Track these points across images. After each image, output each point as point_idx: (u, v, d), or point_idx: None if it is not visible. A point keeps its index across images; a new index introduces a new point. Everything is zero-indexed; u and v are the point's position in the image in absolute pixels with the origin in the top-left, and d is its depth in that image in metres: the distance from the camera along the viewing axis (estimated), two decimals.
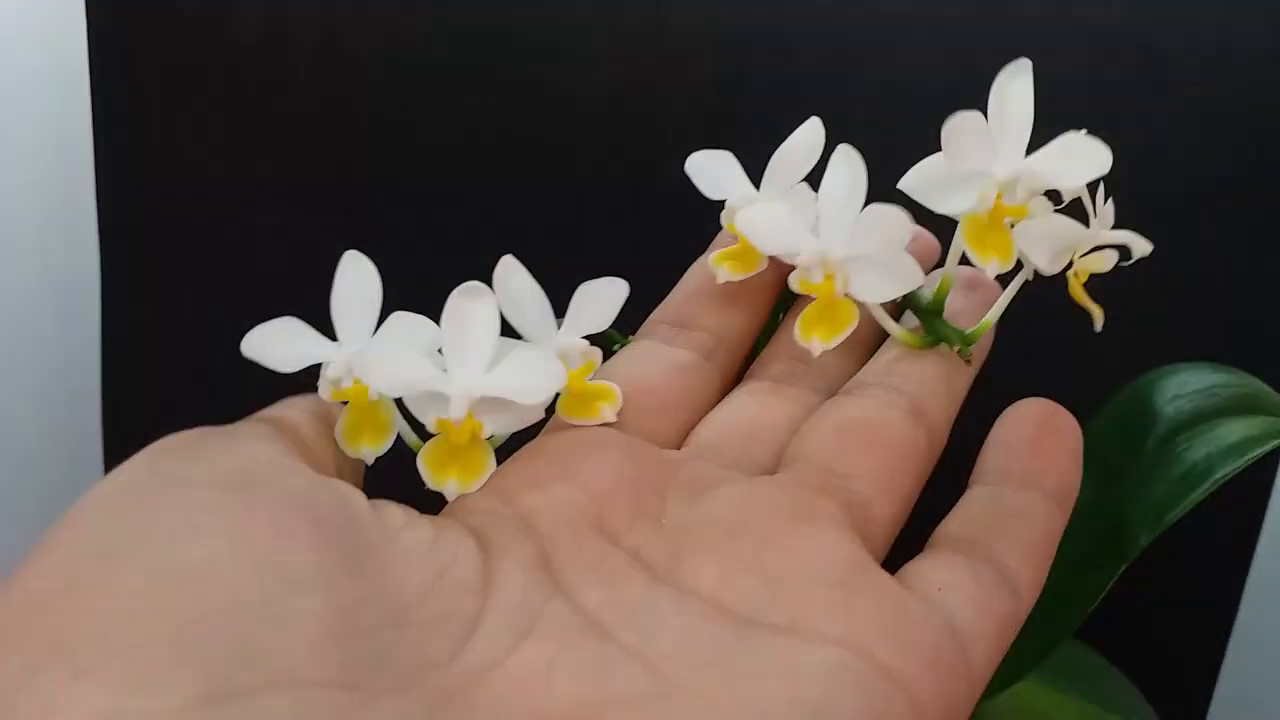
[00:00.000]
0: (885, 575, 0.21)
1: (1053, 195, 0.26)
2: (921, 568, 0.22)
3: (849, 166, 0.25)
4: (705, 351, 0.27)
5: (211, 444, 0.20)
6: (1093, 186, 0.25)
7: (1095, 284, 0.26)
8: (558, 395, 0.25)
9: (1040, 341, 0.51)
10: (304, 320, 0.25)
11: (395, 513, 0.20)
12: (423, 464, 0.23)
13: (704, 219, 0.29)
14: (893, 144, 0.25)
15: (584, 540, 0.21)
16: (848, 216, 0.24)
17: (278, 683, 0.15)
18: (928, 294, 0.26)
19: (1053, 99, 0.25)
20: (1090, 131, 0.24)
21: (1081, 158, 0.24)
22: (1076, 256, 0.26)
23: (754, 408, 0.26)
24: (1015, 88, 0.24)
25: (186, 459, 0.19)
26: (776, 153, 0.27)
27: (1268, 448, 0.32)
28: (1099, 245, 0.26)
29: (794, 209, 0.26)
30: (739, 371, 0.29)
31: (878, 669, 0.18)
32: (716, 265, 0.27)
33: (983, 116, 0.24)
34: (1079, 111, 0.47)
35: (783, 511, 0.22)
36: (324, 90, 0.51)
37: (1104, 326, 0.50)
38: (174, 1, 0.50)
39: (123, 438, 0.56)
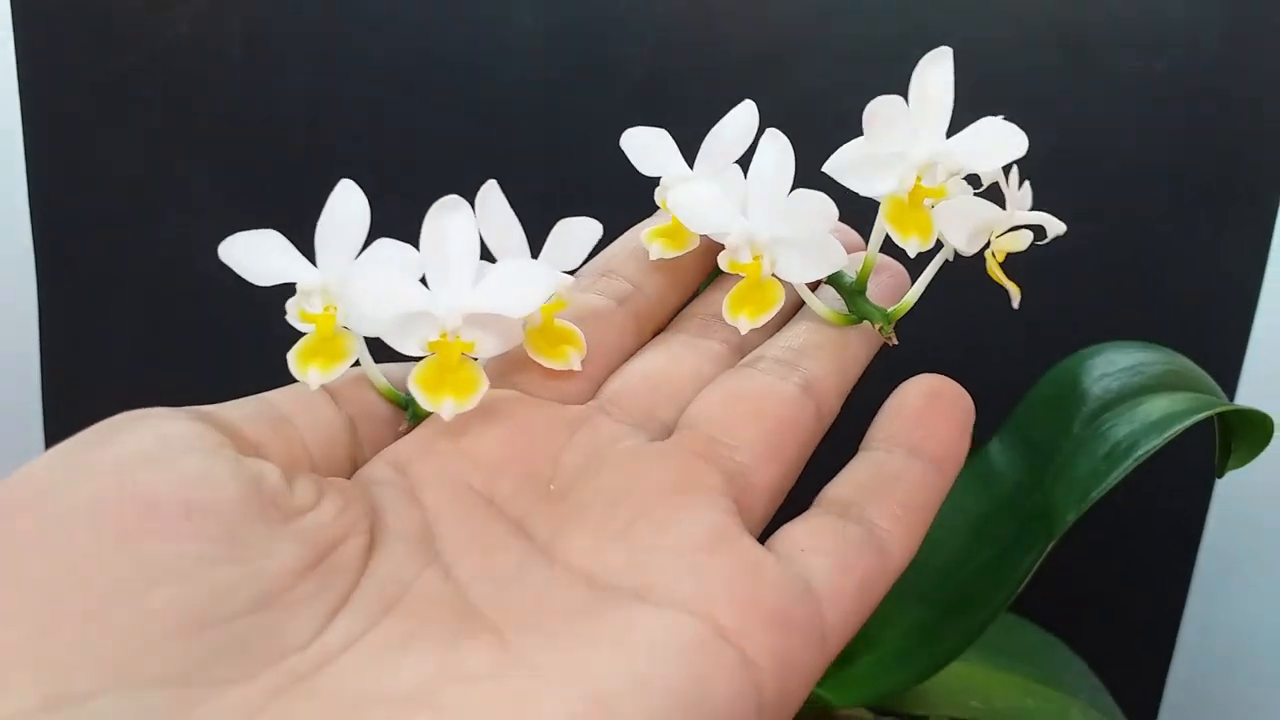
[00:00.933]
0: (749, 540, 0.21)
1: (972, 179, 0.27)
2: (792, 530, 0.22)
3: (776, 149, 0.25)
4: (620, 297, 0.28)
5: (130, 425, 0.20)
6: (1009, 170, 0.26)
7: (1030, 265, 0.27)
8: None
9: (971, 326, 0.51)
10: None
11: (305, 491, 0.21)
12: (415, 387, 0.23)
13: (638, 212, 0.29)
14: (820, 133, 0.25)
15: (469, 511, 0.22)
16: (775, 199, 0.25)
17: (112, 685, 0.16)
18: (851, 275, 0.27)
19: (982, 84, 0.25)
20: (1019, 116, 0.25)
21: (998, 142, 0.25)
22: (993, 237, 0.26)
23: (664, 360, 0.27)
24: (935, 73, 0.25)
25: (97, 443, 0.20)
26: (710, 132, 0.27)
27: (1189, 422, 0.33)
28: (1015, 226, 0.26)
29: (725, 190, 0.26)
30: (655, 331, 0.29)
31: (714, 631, 0.19)
32: (649, 241, 0.27)
33: (902, 100, 0.24)
34: (1009, 97, 0.47)
35: (663, 481, 0.22)
36: (254, 96, 0.50)
37: (1038, 307, 0.50)
38: (102, 12, 0.50)
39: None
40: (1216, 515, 0.55)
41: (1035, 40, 0.48)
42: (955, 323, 0.49)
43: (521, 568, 0.20)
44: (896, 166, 0.25)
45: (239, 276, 0.24)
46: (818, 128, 0.26)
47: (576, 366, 0.25)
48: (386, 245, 0.24)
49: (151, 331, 0.54)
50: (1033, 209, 0.26)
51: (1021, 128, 0.25)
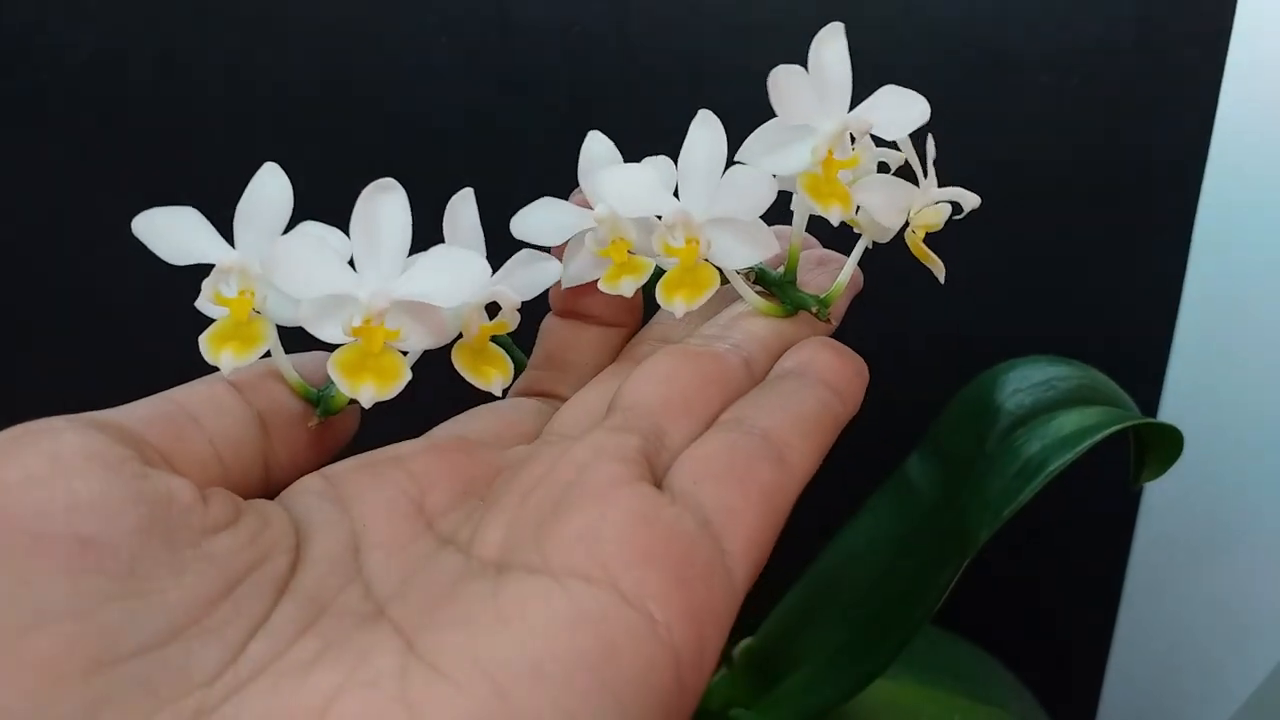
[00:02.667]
0: (641, 485, 0.20)
1: (882, 166, 0.27)
2: (684, 460, 0.21)
3: (708, 130, 0.25)
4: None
5: (20, 442, 0.19)
6: (919, 147, 0.26)
7: (951, 280, 0.27)
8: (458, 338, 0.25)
9: (890, 341, 0.51)
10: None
11: (220, 510, 0.20)
12: (335, 370, 0.22)
13: None
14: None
15: (397, 522, 0.21)
16: (709, 179, 0.25)
17: None
18: (778, 270, 0.27)
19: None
20: (938, 131, 0.25)
21: (902, 107, 0.25)
22: (912, 214, 0.26)
23: (600, 402, 0.26)
24: (831, 50, 0.25)
25: None
26: (581, 168, 0.27)
27: (1099, 437, 0.33)
28: (931, 202, 0.26)
29: (656, 175, 0.26)
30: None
31: (613, 595, 0.18)
32: (611, 285, 0.26)
33: (802, 70, 0.24)
34: (934, 105, 0.47)
35: (574, 460, 0.21)
36: (167, 112, 0.49)
37: (958, 322, 0.51)
38: (7, 30, 0.48)
39: None
40: (1144, 526, 0.56)
41: (954, 59, 0.48)
42: (874, 338, 0.49)
43: (437, 571, 0.20)
44: (806, 140, 0.25)
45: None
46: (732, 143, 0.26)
47: (497, 391, 0.25)
48: (312, 227, 0.24)
49: (68, 357, 0.53)
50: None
51: (941, 143, 0.25)
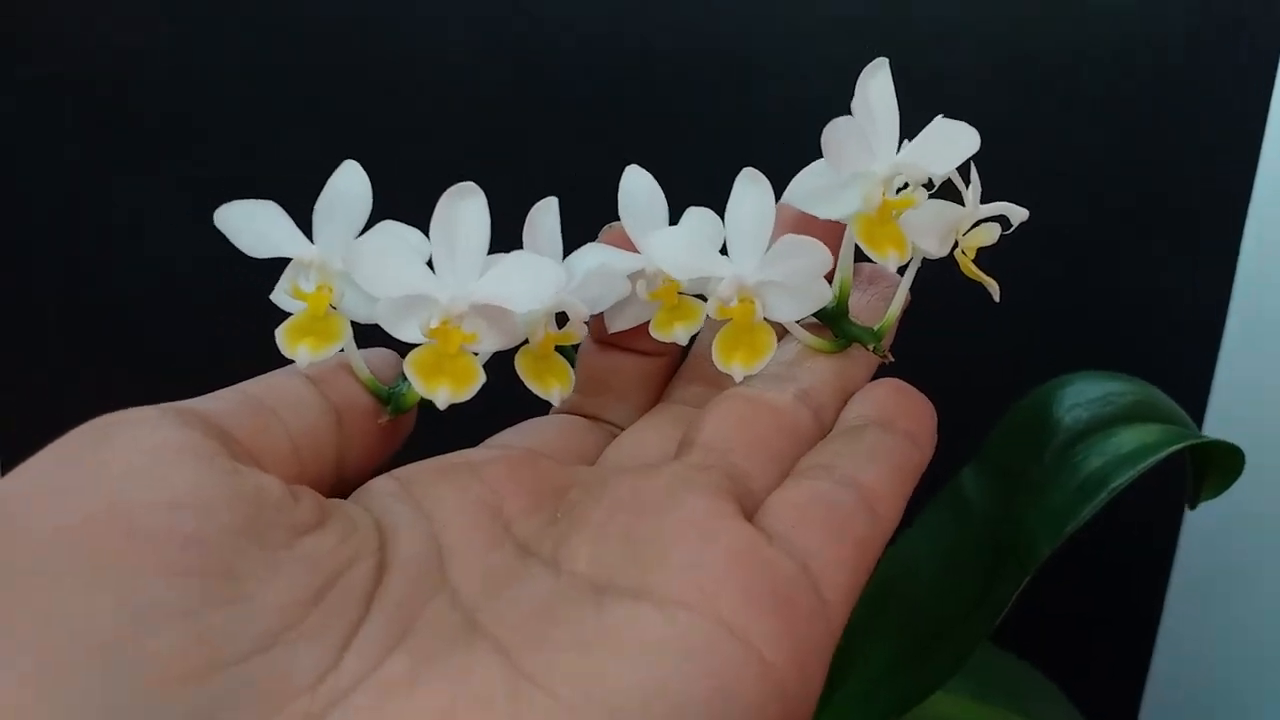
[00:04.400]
0: (743, 523, 0.20)
1: (926, 184, 0.27)
2: (779, 504, 0.22)
3: (755, 191, 0.25)
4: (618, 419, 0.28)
5: (112, 434, 0.19)
6: (962, 168, 0.26)
7: (1001, 294, 0.27)
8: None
9: (939, 355, 0.51)
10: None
11: (308, 509, 0.20)
12: (411, 370, 0.23)
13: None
14: (777, 148, 0.25)
15: (477, 528, 0.21)
16: (759, 241, 0.25)
17: None
18: (831, 300, 0.27)
19: (948, 111, 0.25)
20: (984, 142, 0.25)
21: (952, 141, 0.25)
22: (960, 235, 0.26)
23: (659, 437, 0.26)
24: (876, 85, 0.25)
25: (76, 457, 0.19)
26: (621, 201, 0.27)
27: (1160, 456, 0.33)
28: (979, 220, 0.26)
29: (701, 232, 0.26)
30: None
31: (726, 632, 0.18)
32: (665, 331, 0.26)
33: (854, 121, 0.24)
34: (973, 124, 0.47)
35: (661, 486, 0.22)
36: (181, 100, 0.50)
37: (1007, 336, 0.51)
38: (19, 17, 0.49)
39: None
40: (1188, 540, 0.55)
41: (1001, 67, 0.48)
42: (926, 353, 0.49)
43: (527, 582, 0.20)
44: (859, 186, 0.25)
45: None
46: (778, 145, 0.25)
47: (556, 401, 0.25)
48: (393, 226, 0.24)
49: (76, 342, 0.54)
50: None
51: (986, 155, 0.25)
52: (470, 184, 0.23)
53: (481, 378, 0.23)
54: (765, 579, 0.19)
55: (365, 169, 0.23)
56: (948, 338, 0.51)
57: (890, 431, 0.24)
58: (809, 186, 0.25)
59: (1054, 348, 0.52)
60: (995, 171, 0.26)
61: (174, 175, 0.51)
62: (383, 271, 0.23)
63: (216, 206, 0.23)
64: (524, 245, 0.25)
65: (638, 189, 0.27)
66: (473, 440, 0.26)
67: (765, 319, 0.25)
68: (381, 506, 0.21)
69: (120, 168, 0.51)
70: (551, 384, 0.26)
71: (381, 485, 0.22)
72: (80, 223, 0.52)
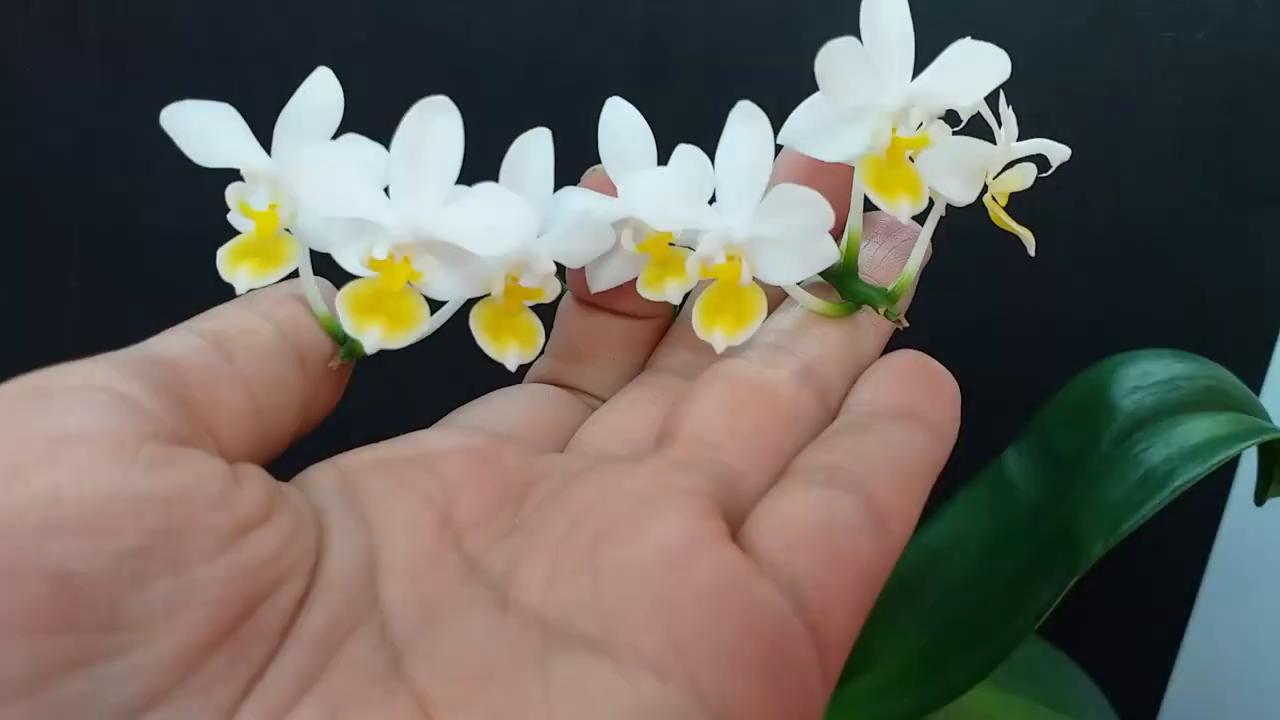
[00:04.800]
0: (727, 551, 0.17)
1: (950, 118, 0.22)
2: (771, 516, 0.18)
3: (752, 128, 0.21)
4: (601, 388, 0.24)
5: (19, 413, 0.15)
6: (992, 98, 0.22)
7: (1047, 260, 0.23)
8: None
9: (987, 326, 0.48)
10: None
11: (253, 500, 0.16)
12: (342, 305, 0.20)
13: None
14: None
15: (420, 540, 0.18)
16: (753, 189, 0.21)
17: None
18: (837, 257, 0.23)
19: (1011, 58, 0.21)
20: (1039, 90, 0.21)
21: (977, 66, 0.21)
22: (990, 179, 0.22)
23: (640, 416, 0.23)
24: (888, 6, 0.21)
25: None
26: (602, 132, 0.23)
27: (1233, 451, 0.30)
28: (1011, 161, 0.22)
29: (688, 177, 0.21)
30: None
31: (699, 703, 0.15)
32: (652, 287, 0.23)
33: (857, 41, 0.20)
34: (1038, 71, 0.43)
35: (632, 494, 0.18)
36: (213, 36, 0.46)
37: (1062, 309, 0.47)
38: None
39: None
40: (1226, 531, 0.52)
41: (1065, 10, 0.44)
42: (965, 319, 0.46)
43: (469, 615, 0.17)
44: (865, 120, 0.21)
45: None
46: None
47: (511, 367, 0.22)
48: (356, 141, 0.20)
49: (99, 290, 0.51)
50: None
51: (1044, 106, 0.21)
52: (443, 99, 0.20)
53: (424, 324, 0.20)
54: (752, 629, 0.16)
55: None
56: (985, 302, 0.47)
57: (907, 422, 0.20)
58: (806, 122, 0.21)
59: (1102, 317, 0.48)
60: (1048, 117, 0.22)
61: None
62: (328, 187, 0.19)
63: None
64: (500, 178, 0.21)
65: (619, 123, 0.23)
66: (431, 411, 0.23)
67: (757, 280, 0.21)
68: (321, 503, 0.18)
69: (144, 100, 0.47)
70: (508, 343, 0.22)
71: (322, 477, 0.19)
72: (99, 153, 0.48)
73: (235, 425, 0.18)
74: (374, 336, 0.19)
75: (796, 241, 0.21)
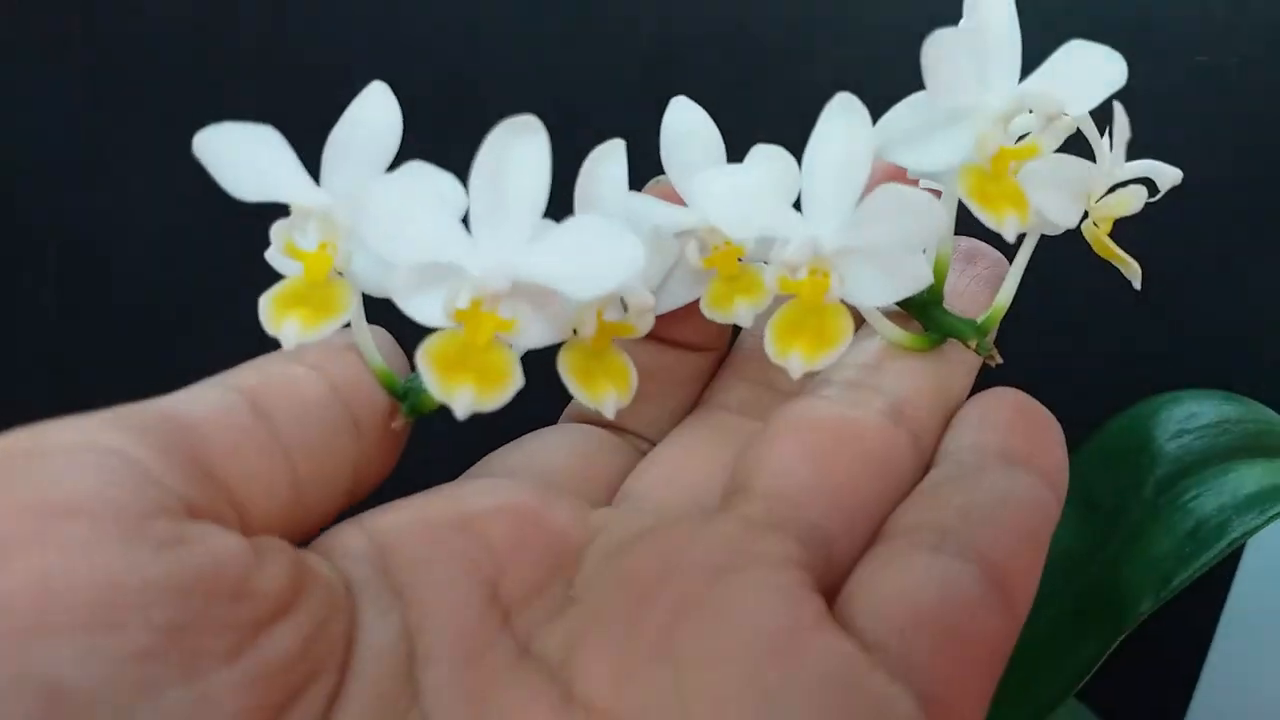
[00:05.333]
0: (836, 636, 0.15)
1: None
2: (875, 587, 0.16)
3: (849, 123, 0.18)
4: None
5: (8, 477, 0.13)
6: (1096, 114, 0.20)
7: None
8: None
9: (1018, 362, 0.46)
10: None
11: (276, 585, 0.14)
12: (425, 362, 0.17)
13: None
14: None
15: (466, 615, 0.16)
16: (847, 195, 0.18)
17: None
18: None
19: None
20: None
21: (1091, 69, 0.19)
22: (1092, 202, 0.20)
23: (701, 461, 0.20)
24: (995, 2, 0.19)
25: None
26: (664, 139, 0.21)
27: None
28: (1117, 184, 0.20)
29: (769, 177, 0.19)
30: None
31: None
32: (721, 308, 0.20)
33: (967, 35, 0.18)
34: None
35: (710, 559, 0.16)
36: (199, 55, 0.44)
37: (1099, 346, 0.46)
38: None
39: None
40: (1242, 577, 0.51)
41: (1095, 32, 0.42)
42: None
43: (525, 712, 0.14)
44: (967, 125, 0.19)
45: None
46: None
47: (609, 415, 0.19)
48: (423, 169, 0.18)
49: (77, 303, 0.48)
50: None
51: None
52: (529, 118, 0.17)
53: (517, 380, 0.17)
54: None
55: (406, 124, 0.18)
56: (1016, 335, 0.45)
57: (1020, 472, 0.18)
58: (903, 124, 0.19)
59: (1156, 360, 0.46)
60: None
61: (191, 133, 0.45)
62: (400, 226, 0.17)
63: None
64: (576, 207, 0.19)
65: (686, 127, 0.21)
66: (454, 454, 0.20)
67: (841, 300, 0.19)
68: (351, 575, 0.16)
69: (130, 119, 0.45)
70: (605, 389, 0.19)
71: (352, 543, 0.16)
72: (80, 175, 0.46)
73: (269, 498, 0.16)
74: (466, 398, 0.17)
75: (893, 255, 0.18)
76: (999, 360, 0.20)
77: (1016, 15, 0.19)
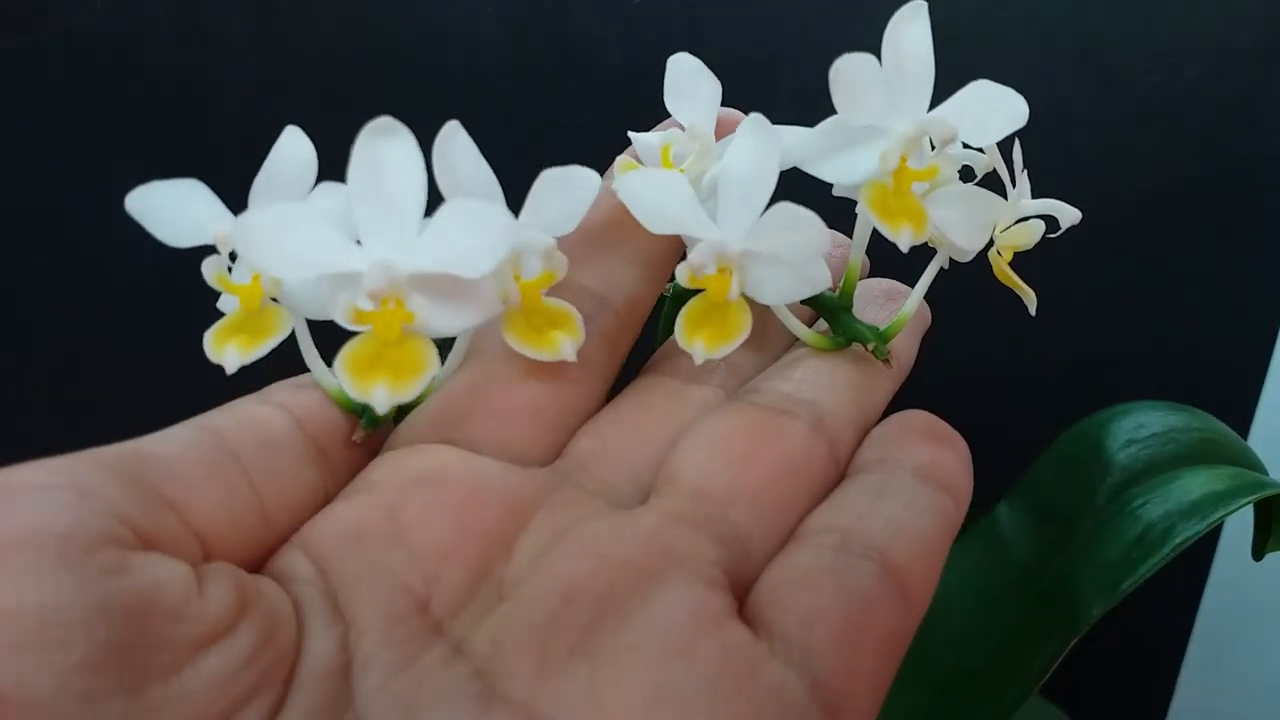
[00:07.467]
0: (735, 630, 0.16)
1: (963, 172, 0.23)
2: (781, 585, 0.17)
3: (759, 140, 0.20)
4: (584, 314, 0.22)
5: None
6: (1006, 150, 0.22)
7: (1031, 312, 0.23)
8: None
9: (976, 380, 0.47)
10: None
11: (220, 606, 0.15)
12: (343, 368, 0.18)
13: None
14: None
15: (399, 630, 0.17)
16: (753, 204, 0.20)
17: None
18: (832, 289, 0.22)
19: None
20: (1027, 132, 0.21)
21: (995, 108, 0.20)
22: (997, 233, 0.22)
23: (648, 414, 0.21)
24: (911, 31, 0.20)
25: None
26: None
27: (1233, 508, 0.29)
28: (1021, 217, 0.22)
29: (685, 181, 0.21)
30: (630, 343, 0.23)
31: None
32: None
33: (874, 60, 0.20)
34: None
35: (633, 560, 0.17)
36: (185, 82, 0.45)
37: (1052, 357, 0.47)
38: None
39: None
40: (1215, 580, 0.52)
41: (1050, 53, 0.44)
42: (952, 370, 0.45)
43: (450, 710, 0.15)
44: (875, 143, 0.20)
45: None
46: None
47: (570, 356, 0.20)
48: (328, 190, 0.19)
49: (64, 334, 0.49)
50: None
51: (1034, 146, 0.21)
52: (388, 120, 0.18)
53: (433, 367, 0.18)
54: (763, 718, 0.15)
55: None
56: (970, 350, 0.47)
57: (924, 483, 0.19)
58: (816, 143, 0.21)
59: (1088, 359, 0.47)
60: (1036, 157, 0.22)
61: (177, 161, 0.46)
62: (281, 249, 0.18)
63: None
64: (442, 189, 0.20)
65: (686, 68, 0.22)
66: None
67: (745, 296, 0.21)
68: (296, 595, 0.17)
69: (115, 151, 0.46)
70: (556, 338, 0.20)
71: (296, 567, 0.17)
72: (69, 208, 0.47)
73: (233, 527, 0.17)
74: (381, 395, 0.18)
75: (792, 261, 0.20)
76: (891, 365, 0.22)
77: (932, 50, 0.20)
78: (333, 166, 0.19)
